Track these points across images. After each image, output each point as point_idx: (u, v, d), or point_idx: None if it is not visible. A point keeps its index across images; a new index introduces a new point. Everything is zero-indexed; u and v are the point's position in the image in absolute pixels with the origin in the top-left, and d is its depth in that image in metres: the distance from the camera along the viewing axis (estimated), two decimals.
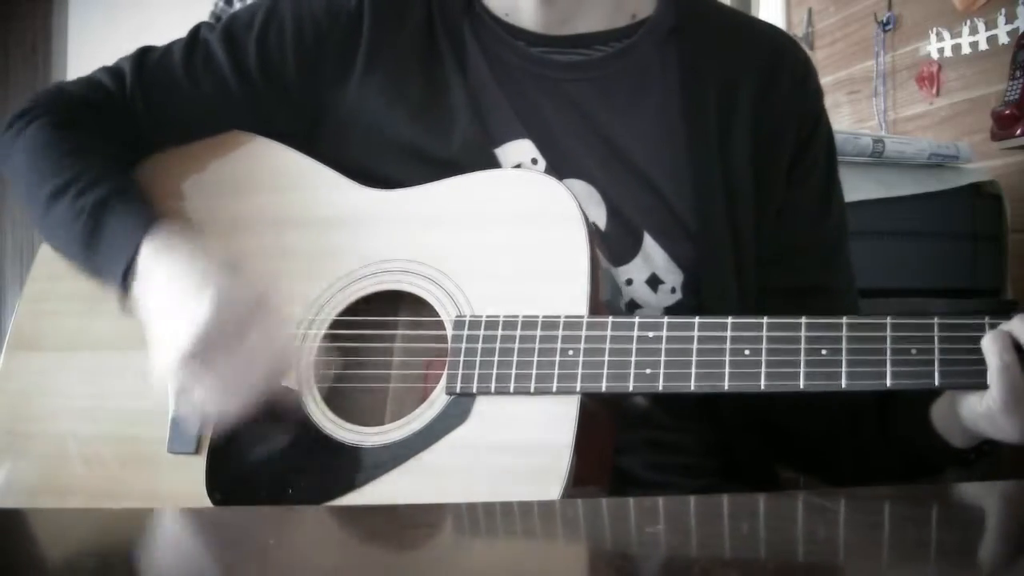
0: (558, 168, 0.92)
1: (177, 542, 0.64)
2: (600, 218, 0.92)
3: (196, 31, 1.01)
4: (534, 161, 0.93)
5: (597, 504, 0.74)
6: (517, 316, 0.80)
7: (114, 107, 0.98)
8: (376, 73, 0.96)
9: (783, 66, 0.98)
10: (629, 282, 0.92)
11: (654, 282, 0.92)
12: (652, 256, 0.92)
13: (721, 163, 0.93)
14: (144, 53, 1.00)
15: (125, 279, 0.84)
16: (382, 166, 0.93)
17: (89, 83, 1.00)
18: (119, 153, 0.96)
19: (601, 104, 0.95)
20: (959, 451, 0.81)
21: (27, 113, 0.98)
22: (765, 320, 0.76)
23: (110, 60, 1.03)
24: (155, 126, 0.98)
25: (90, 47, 3.42)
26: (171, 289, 0.81)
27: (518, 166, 0.93)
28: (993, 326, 0.72)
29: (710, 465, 0.96)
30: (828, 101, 1.01)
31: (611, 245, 0.92)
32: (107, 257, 0.86)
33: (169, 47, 1.00)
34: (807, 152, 0.98)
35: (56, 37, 3.52)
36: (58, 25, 3.53)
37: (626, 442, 0.90)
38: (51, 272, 0.97)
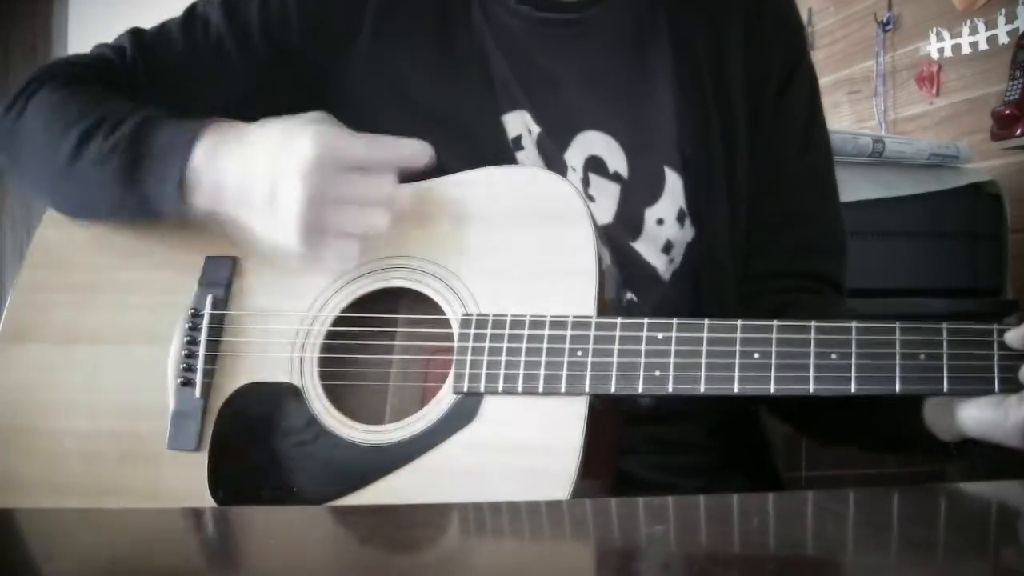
0: (568, 126, 0.94)
1: (178, 542, 0.63)
2: (621, 165, 0.94)
3: (192, 7, 1.01)
4: (537, 126, 0.95)
5: (605, 504, 0.74)
6: (525, 316, 0.80)
7: (117, 74, 0.97)
8: (383, 36, 0.97)
9: (765, 6, 1.01)
10: (660, 222, 0.94)
11: (682, 217, 0.95)
12: (675, 190, 0.95)
13: (718, 112, 0.96)
14: (140, 29, 1.00)
15: (181, 186, 0.84)
16: (389, 129, 0.89)
17: (89, 55, 1.00)
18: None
19: (604, 58, 0.97)
20: (943, 444, 0.81)
21: (27, 88, 0.96)
22: (775, 323, 0.76)
23: None
24: (157, 94, 0.96)
25: (90, 47, 3.41)
26: (254, 160, 0.81)
27: (518, 137, 0.95)
28: (1001, 333, 0.72)
29: (709, 460, 0.97)
30: (828, 101, 1.03)
31: (638, 188, 0.94)
32: (160, 168, 0.85)
33: (166, 22, 1.00)
34: (790, 86, 1.00)
35: (56, 37, 3.52)
36: (58, 25, 3.53)
37: (626, 441, 0.89)
38: (48, 260, 0.95)
